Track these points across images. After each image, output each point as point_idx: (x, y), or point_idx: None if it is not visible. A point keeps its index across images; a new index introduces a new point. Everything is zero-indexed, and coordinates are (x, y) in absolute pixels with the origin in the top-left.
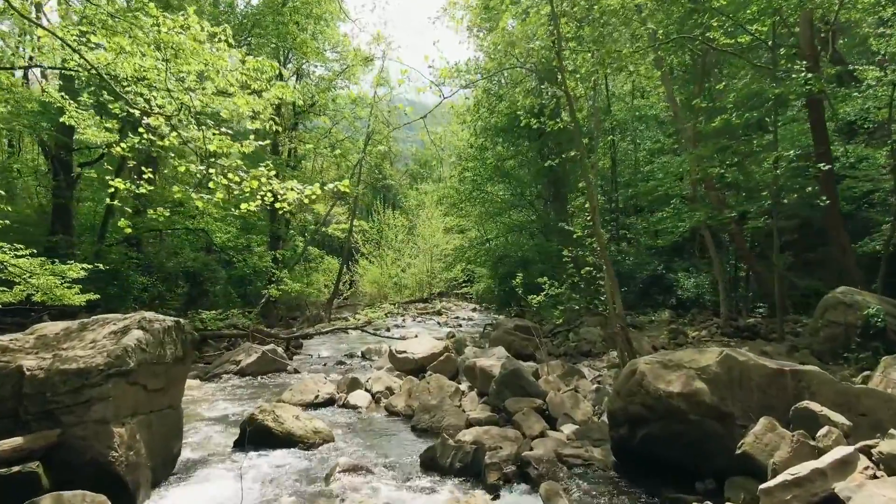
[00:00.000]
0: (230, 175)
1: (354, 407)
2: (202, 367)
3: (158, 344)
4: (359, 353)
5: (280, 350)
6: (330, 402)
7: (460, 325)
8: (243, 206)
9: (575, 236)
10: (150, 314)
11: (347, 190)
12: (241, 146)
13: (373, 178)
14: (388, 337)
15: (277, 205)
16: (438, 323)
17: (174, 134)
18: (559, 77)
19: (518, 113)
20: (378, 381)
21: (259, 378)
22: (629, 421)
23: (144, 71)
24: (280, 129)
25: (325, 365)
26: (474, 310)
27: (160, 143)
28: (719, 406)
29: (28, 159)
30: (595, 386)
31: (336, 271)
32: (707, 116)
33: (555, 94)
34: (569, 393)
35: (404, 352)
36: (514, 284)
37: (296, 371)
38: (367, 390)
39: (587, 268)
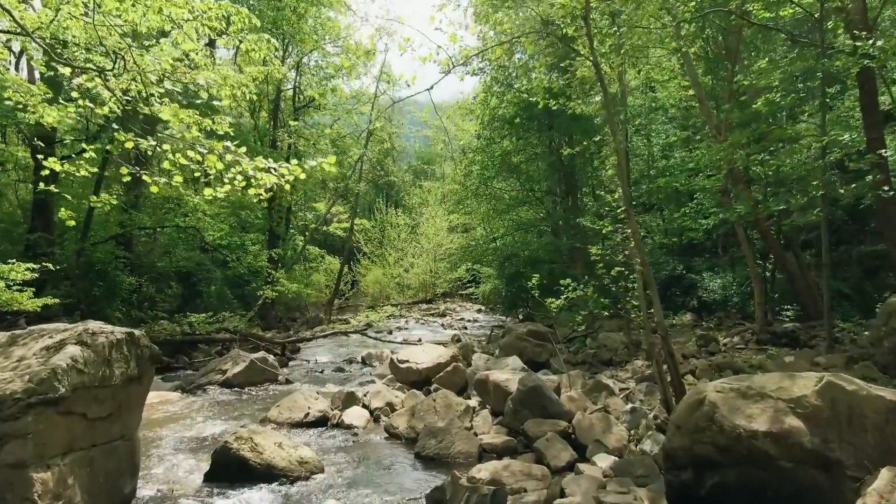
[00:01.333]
0: (190, 153)
1: (350, 427)
2: (187, 377)
3: (103, 362)
4: (358, 359)
5: (271, 359)
6: (322, 421)
7: (465, 328)
8: (207, 191)
9: (605, 231)
10: (95, 324)
11: (332, 169)
12: (213, 123)
13: (375, 174)
14: (389, 341)
15: (252, 191)
16: (442, 325)
17: (113, 99)
18: (582, 49)
19: (532, 99)
20: (377, 395)
21: (247, 390)
22: (695, 464)
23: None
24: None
25: (322, 372)
26: (479, 311)
27: (99, 110)
28: (822, 451)
29: (12, 153)
30: (629, 406)
31: (337, 271)
32: (736, 103)
33: (571, 78)
34: (598, 414)
35: (407, 361)
36: (530, 286)
37: (288, 381)
38: (364, 406)
39: (617, 268)
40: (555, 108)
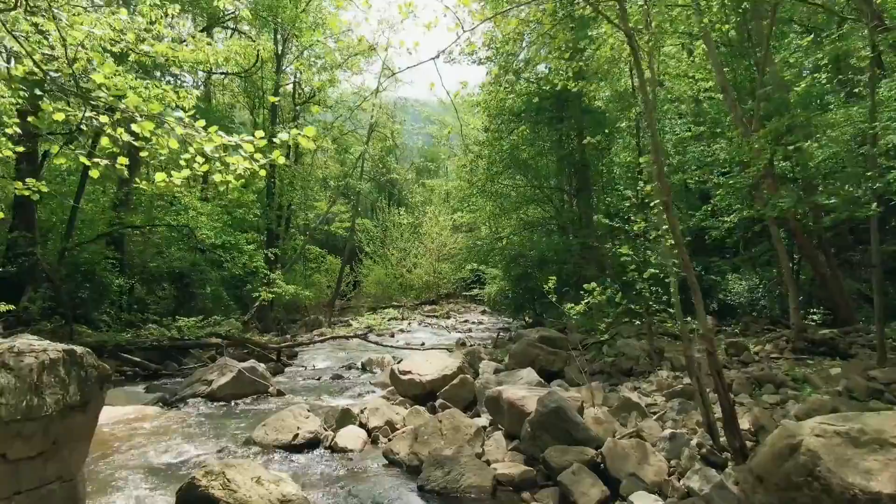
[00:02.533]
0: (135, 127)
1: (344, 451)
2: (170, 388)
3: (29, 389)
4: (358, 365)
5: (261, 368)
6: (313, 443)
7: (470, 330)
8: (159, 177)
9: (635, 228)
10: (23, 341)
11: (310, 144)
12: (177, 97)
13: (377, 172)
14: (390, 346)
15: (217, 177)
16: (446, 328)
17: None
18: (613, 17)
19: (544, 87)
20: (375, 412)
21: (233, 404)
22: None
23: None
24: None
25: (319, 379)
26: (483, 312)
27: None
28: None
29: None
30: (667, 432)
31: (338, 272)
32: (774, 87)
33: (590, 59)
34: (631, 440)
35: (409, 372)
36: (545, 290)
37: (279, 393)
38: (361, 425)
39: (651, 270)
40: (573, 90)
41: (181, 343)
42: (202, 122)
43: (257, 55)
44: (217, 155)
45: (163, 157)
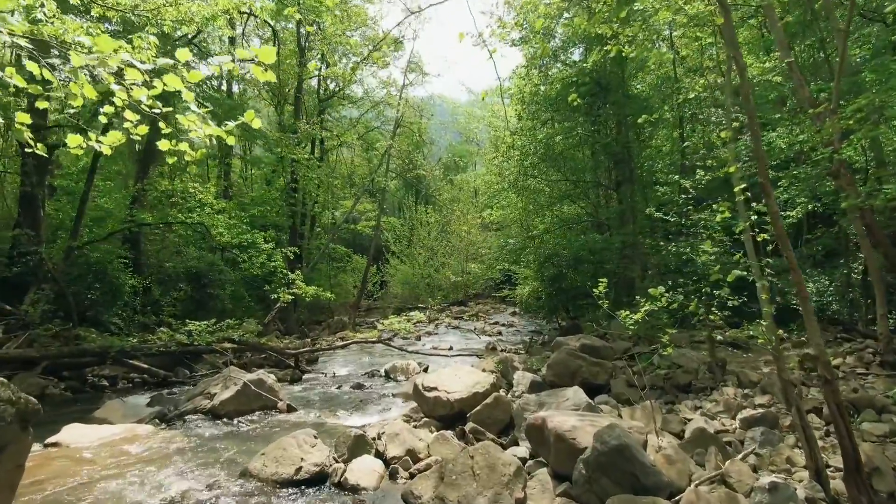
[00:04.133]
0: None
1: (355, 489)
2: (176, 398)
3: None
4: (381, 372)
5: (270, 380)
6: (319, 478)
7: (500, 333)
8: (72, 142)
9: (720, 218)
10: None
11: (269, 78)
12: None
13: (403, 167)
14: (416, 352)
15: (162, 145)
16: (475, 330)
17: None
18: None
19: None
20: (395, 438)
21: (236, 422)
22: None
23: None
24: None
25: (339, 388)
26: (514, 314)
27: None
28: None
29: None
30: (765, 479)
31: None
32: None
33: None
34: (718, 491)
35: (435, 389)
36: (595, 294)
37: (290, 408)
38: (377, 454)
39: (737, 271)
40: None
41: (192, 348)
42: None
43: (275, 39)
44: (156, 109)
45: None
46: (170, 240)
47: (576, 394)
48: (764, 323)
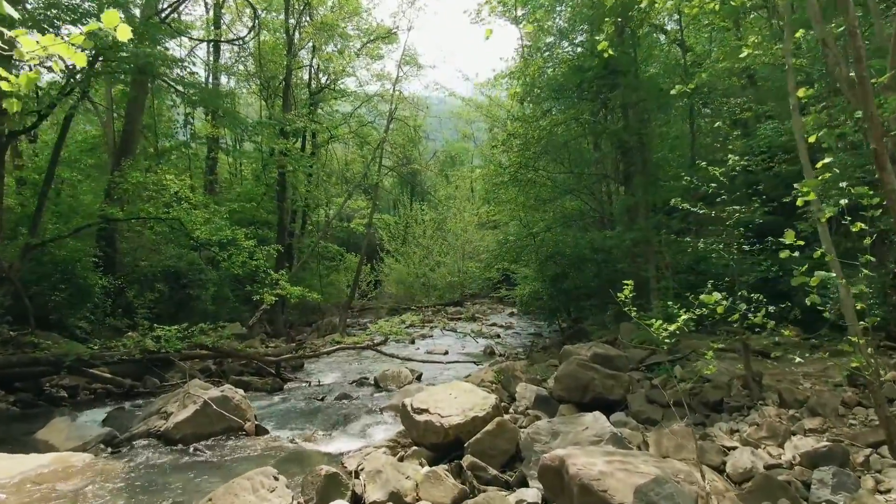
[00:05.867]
0: None
1: None
2: (133, 415)
3: None
4: (371, 380)
5: (237, 397)
6: None
7: (498, 336)
8: None
9: (801, 202)
10: None
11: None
12: None
13: (397, 162)
14: (408, 359)
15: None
16: (472, 333)
17: None
18: None
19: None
20: (376, 477)
21: (193, 448)
22: None
23: None
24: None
25: (322, 399)
26: (512, 314)
27: None
28: None
29: None
30: None
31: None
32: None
33: None
34: None
35: (426, 411)
36: (620, 299)
37: (258, 431)
38: (354, 498)
39: (821, 273)
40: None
41: (161, 356)
42: None
43: (255, 20)
44: None
45: None
46: (147, 237)
47: (596, 421)
48: (855, 340)
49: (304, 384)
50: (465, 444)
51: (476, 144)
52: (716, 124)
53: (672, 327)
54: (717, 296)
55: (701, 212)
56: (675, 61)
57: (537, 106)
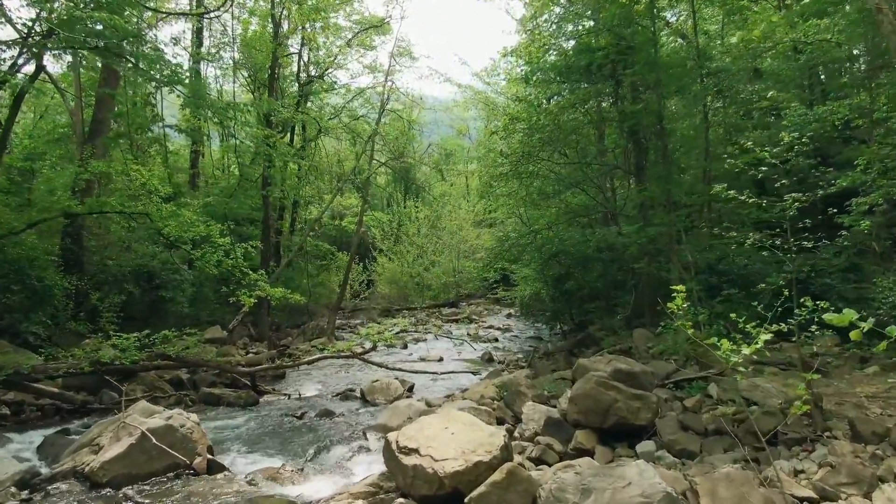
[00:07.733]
0: None
1: None
2: (66, 439)
3: None
4: (357, 392)
5: (185, 427)
6: None
7: (496, 340)
8: None
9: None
10: None
11: None
12: None
13: (390, 154)
14: (398, 369)
15: None
16: (468, 337)
17: None
18: None
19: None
20: None
21: (123, 493)
22: None
23: None
24: None
25: (300, 416)
26: (510, 316)
27: None
28: None
29: None
30: None
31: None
32: None
33: None
34: None
35: (416, 452)
36: (668, 310)
37: (212, 468)
38: None
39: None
40: None
41: (114, 368)
42: None
43: None
44: None
45: None
46: (115, 233)
47: (642, 476)
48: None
49: (282, 397)
50: (466, 500)
51: (471, 142)
52: (730, 110)
53: (747, 350)
54: (851, 314)
55: (750, 200)
56: (685, 47)
57: (542, 88)
